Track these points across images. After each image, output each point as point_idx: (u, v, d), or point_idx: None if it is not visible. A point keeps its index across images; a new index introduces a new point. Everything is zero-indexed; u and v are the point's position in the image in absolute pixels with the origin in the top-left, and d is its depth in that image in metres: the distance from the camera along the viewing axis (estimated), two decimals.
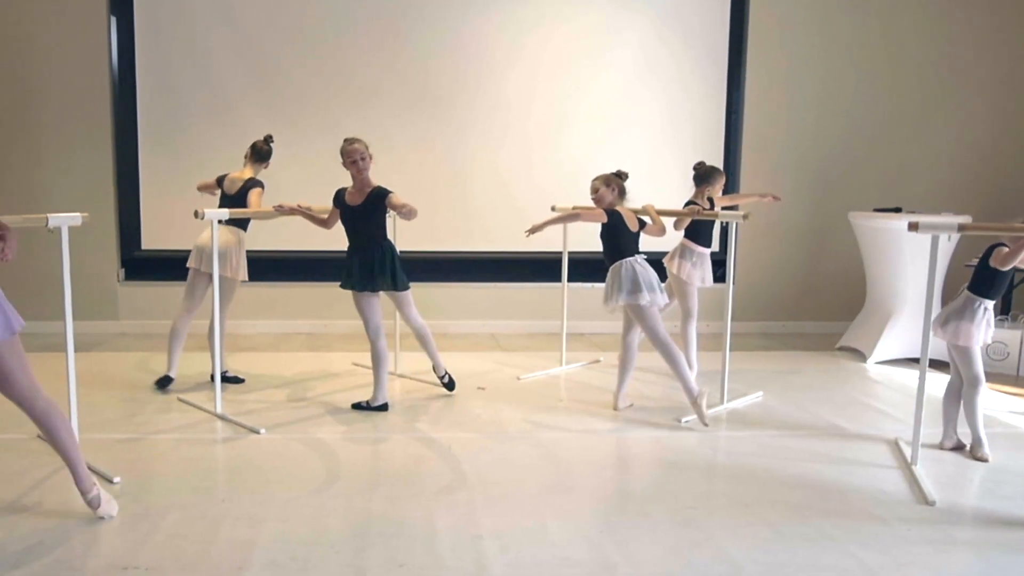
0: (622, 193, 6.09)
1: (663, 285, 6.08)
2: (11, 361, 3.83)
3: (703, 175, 7.00)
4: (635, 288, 5.90)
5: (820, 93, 9.37)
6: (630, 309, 6.04)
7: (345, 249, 6.09)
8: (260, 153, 6.73)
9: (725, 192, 9.05)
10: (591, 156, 9.01)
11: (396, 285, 6.02)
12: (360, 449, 5.36)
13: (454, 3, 9.07)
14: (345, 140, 5.95)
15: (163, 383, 6.64)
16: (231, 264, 6.48)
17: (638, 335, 6.21)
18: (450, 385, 6.58)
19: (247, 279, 6.68)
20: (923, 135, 9.50)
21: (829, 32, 9.30)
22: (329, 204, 6.20)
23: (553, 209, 7.20)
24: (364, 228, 5.96)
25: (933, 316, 5.05)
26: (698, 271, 6.91)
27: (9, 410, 5.85)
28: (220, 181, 6.74)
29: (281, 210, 6.25)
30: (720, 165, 9.20)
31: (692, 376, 6.10)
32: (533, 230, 6.22)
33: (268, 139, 6.78)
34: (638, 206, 6.23)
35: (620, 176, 6.09)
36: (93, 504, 4.15)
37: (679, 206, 6.88)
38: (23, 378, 3.90)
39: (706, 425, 5.87)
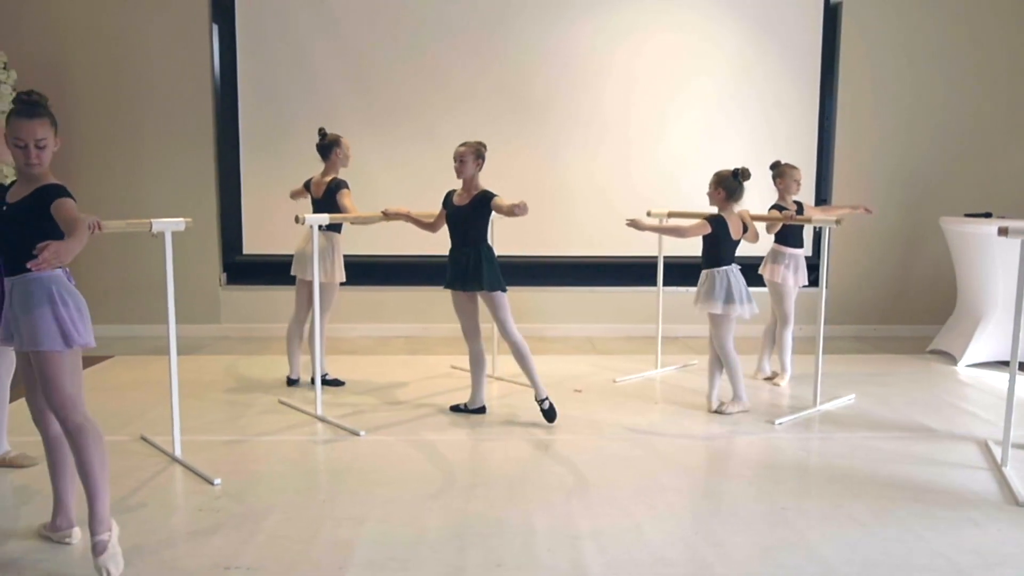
0: (731, 195, 6.00)
1: (751, 294, 6.13)
2: (56, 368, 3.58)
3: (776, 171, 6.96)
4: (727, 299, 6.01)
5: (910, 100, 9.26)
6: (710, 316, 6.13)
7: (443, 253, 6.13)
8: (324, 150, 6.76)
9: (817, 203, 9.05)
10: (687, 161, 9.08)
11: (486, 285, 5.81)
12: (458, 451, 5.44)
13: (549, 10, 9.13)
14: None
15: (289, 383, 7.04)
16: (325, 269, 6.56)
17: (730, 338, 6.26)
18: (550, 414, 5.96)
19: (344, 281, 6.76)
20: (1013, 141, 9.34)
21: (919, 39, 9.19)
22: (429, 208, 6.30)
23: (649, 215, 7.18)
24: (465, 229, 5.90)
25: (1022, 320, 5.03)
26: (792, 273, 6.87)
27: (114, 410, 6.14)
28: (308, 185, 6.88)
29: (387, 215, 6.31)
30: (813, 171, 9.22)
31: (743, 388, 6.34)
32: (634, 224, 6.22)
33: (321, 132, 6.80)
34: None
35: (737, 176, 5.92)
36: (97, 549, 3.63)
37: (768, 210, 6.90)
38: (69, 387, 3.63)
39: (727, 414, 6.23)
